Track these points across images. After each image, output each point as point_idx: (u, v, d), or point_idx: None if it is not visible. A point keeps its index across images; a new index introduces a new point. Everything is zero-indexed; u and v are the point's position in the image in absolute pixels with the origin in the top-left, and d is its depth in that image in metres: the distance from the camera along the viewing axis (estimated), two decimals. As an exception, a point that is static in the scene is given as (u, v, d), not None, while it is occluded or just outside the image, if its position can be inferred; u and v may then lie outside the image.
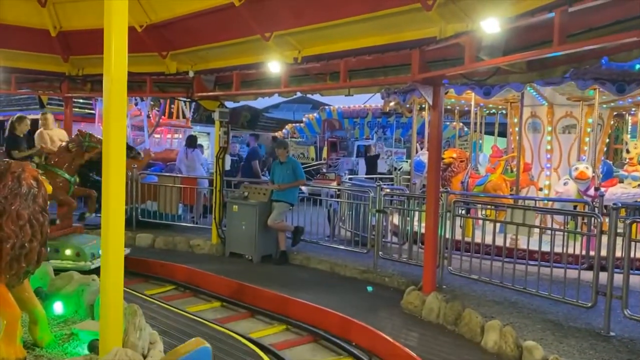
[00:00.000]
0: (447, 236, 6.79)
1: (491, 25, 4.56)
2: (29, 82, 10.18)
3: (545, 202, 9.46)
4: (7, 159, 7.40)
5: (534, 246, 6.32)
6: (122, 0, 3.68)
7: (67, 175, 7.26)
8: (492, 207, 7.97)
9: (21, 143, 7.80)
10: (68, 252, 7.13)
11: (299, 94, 8.98)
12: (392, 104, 11.91)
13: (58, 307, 4.98)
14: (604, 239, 5.37)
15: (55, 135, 8.40)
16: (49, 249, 6.92)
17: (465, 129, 18.99)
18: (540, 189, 10.17)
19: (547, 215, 8.71)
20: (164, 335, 4.69)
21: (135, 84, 9.42)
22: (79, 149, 7.32)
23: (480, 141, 15.53)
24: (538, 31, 4.59)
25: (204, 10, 7.43)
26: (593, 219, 6.43)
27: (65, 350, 4.13)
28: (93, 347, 3.89)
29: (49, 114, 8.69)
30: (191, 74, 8.68)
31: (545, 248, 6.29)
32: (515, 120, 10.65)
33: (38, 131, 8.52)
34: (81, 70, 9.82)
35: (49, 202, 7.41)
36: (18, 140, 7.82)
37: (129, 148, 8.36)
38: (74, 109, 22.03)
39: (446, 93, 9.69)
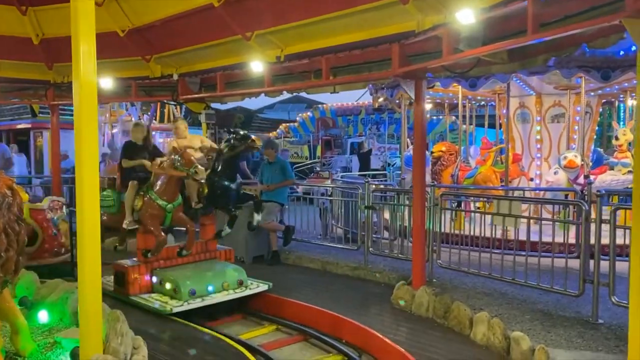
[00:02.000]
0: (436, 230, 6.79)
1: (466, 16, 4.53)
2: (14, 91, 10.13)
3: (537, 192, 9.44)
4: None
5: (523, 236, 6.30)
6: (88, 5, 3.59)
7: (160, 201, 6.16)
8: (484, 199, 7.96)
9: (138, 151, 6.77)
10: (168, 285, 6.25)
11: (286, 94, 8.96)
12: (380, 99, 11.89)
13: (43, 315, 4.97)
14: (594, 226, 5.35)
15: (189, 145, 6.78)
16: (155, 278, 6.41)
17: (457, 121, 19.00)
18: (531, 179, 10.16)
19: (539, 205, 8.71)
20: (151, 340, 4.66)
21: (122, 89, 9.38)
22: (171, 169, 6.09)
23: (472, 134, 15.55)
24: (514, 20, 4.56)
25: (184, 13, 7.38)
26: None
27: (49, 359, 4.11)
28: (75, 355, 3.87)
29: (180, 121, 7.29)
30: (175, 77, 8.66)
31: (535, 238, 6.27)
32: (504, 111, 10.62)
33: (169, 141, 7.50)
34: (66, 77, 9.73)
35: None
36: (133, 148, 6.83)
37: (245, 137, 6.62)
38: (68, 117, 22.00)
39: (432, 87, 9.68)
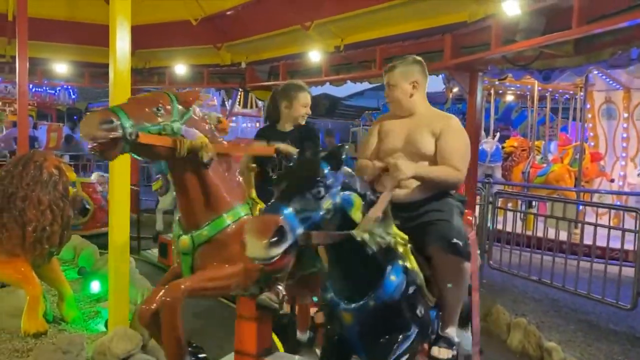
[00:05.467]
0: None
1: (510, 7, 4.30)
2: (101, 75, 10.85)
3: (618, 195, 8.77)
4: None
5: (588, 240, 5.88)
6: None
7: None
8: (537, 200, 7.52)
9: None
10: None
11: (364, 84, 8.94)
12: (455, 89, 11.49)
13: (95, 285, 5.34)
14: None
15: None
16: None
17: (552, 115, 18.03)
18: (612, 180, 9.44)
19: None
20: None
21: (195, 75, 9.81)
22: None
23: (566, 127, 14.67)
24: (563, 12, 4.28)
25: (251, 1, 7.56)
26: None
27: (88, 327, 4.43)
28: (106, 324, 4.17)
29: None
30: (243, 65, 8.91)
31: (603, 243, 5.83)
32: (588, 106, 9.90)
33: None
34: (147, 63, 10.31)
35: None
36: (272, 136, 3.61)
37: None
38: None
39: (505, 78, 9.23)
